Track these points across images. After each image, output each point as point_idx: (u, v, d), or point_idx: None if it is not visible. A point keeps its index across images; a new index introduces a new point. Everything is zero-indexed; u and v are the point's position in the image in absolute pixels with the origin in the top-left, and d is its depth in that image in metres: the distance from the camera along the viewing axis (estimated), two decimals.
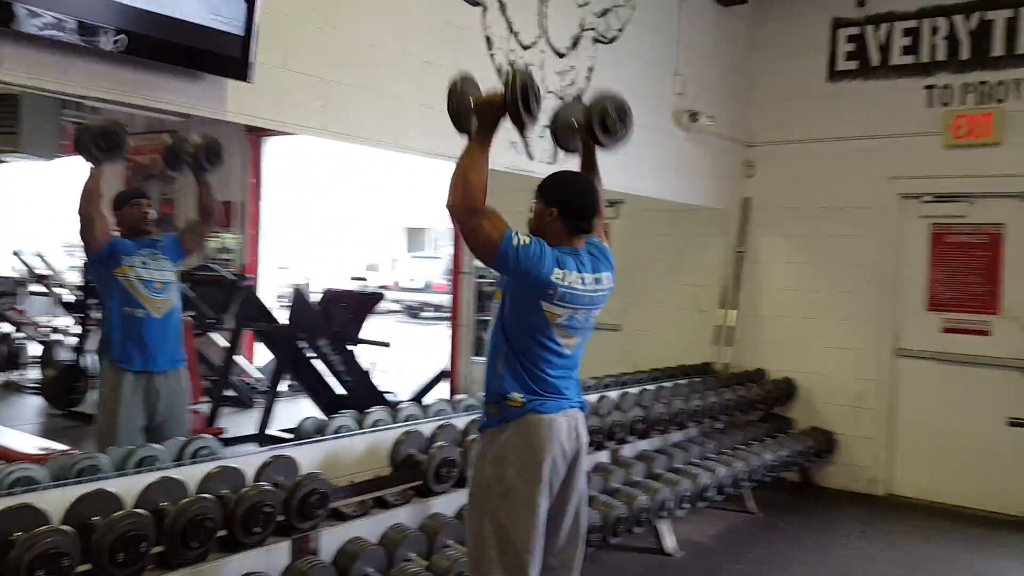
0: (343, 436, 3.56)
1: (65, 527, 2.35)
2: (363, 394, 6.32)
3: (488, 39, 4.14)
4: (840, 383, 6.07)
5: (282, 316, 6.75)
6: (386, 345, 6.48)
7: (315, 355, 6.35)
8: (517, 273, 2.53)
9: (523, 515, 2.58)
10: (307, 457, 3.29)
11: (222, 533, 2.70)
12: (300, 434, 3.72)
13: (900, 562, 4.60)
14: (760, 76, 6.38)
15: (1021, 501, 5.46)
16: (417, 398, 7.09)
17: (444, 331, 14.56)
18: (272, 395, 6.06)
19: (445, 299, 17.77)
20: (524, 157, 4.38)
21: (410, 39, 3.76)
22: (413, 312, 18.29)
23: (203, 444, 3.21)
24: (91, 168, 3.54)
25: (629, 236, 6.52)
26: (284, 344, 6.29)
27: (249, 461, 3.09)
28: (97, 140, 3.41)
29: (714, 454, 5.13)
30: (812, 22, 6.17)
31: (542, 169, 4.48)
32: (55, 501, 2.55)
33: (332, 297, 6.95)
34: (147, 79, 2.81)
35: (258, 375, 8.24)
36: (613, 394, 4.86)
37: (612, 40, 4.96)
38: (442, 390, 7.21)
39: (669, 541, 4.58)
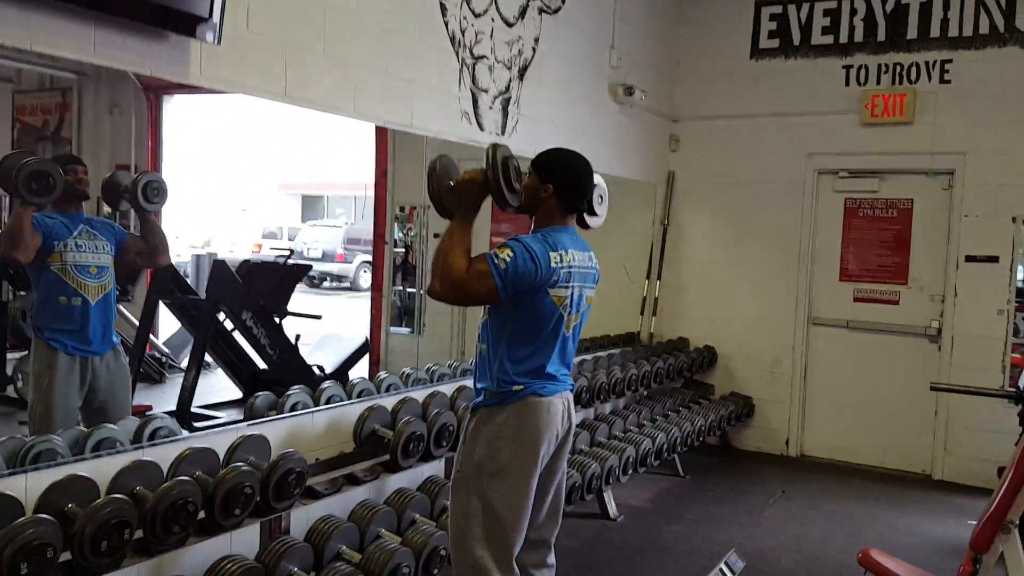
0: (303, 413, 3.47)
1: (45, 516, 2.21)
2: (289, 368, 6.18)
3: (442, 5, 4.05)
4: (758, 350, 6.34)
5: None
6: (318, 318, 6.34)
7: (237, 328, 6.15)
8: (521, 288, 2.50)
9: (514, 495, 2.58)
10: (268, 436, 3.19)
11: (200, 516, 2.60)
12: (253, 412, 3.59)
13: (825, 520, 4.88)
14: (685, 52, 6.51)
15: (924, 459, 5.88)
16: (342, 370, 6.98)
17: (347, 302, 14.32)
18: (196, 371, 5.82)
19: (345, 268, 17.52)
20: (475, 128, 4.34)
21: (367, 3, 3.63)
22: (313, 282, 17.88)
23: (161, 424, 3.06)
24: (18, 208, 3.15)
25: None
26: (204, 318, 6.04)
27: (215, 441, 2.97)
28: (29, 182, 2.98)
29: (649, 421, 5.28)
30: (736, 0, 6.32)
31: (492, 140, 4.47)
32: (18, 488, 2.40)
33: (254, 268, 6.73)
34: (110, 37, 2.62)
35: (164, 349, 7.90)
36: None
37: (556, 11, 4.95)
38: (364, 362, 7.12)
39: (612, 506, 4.70)
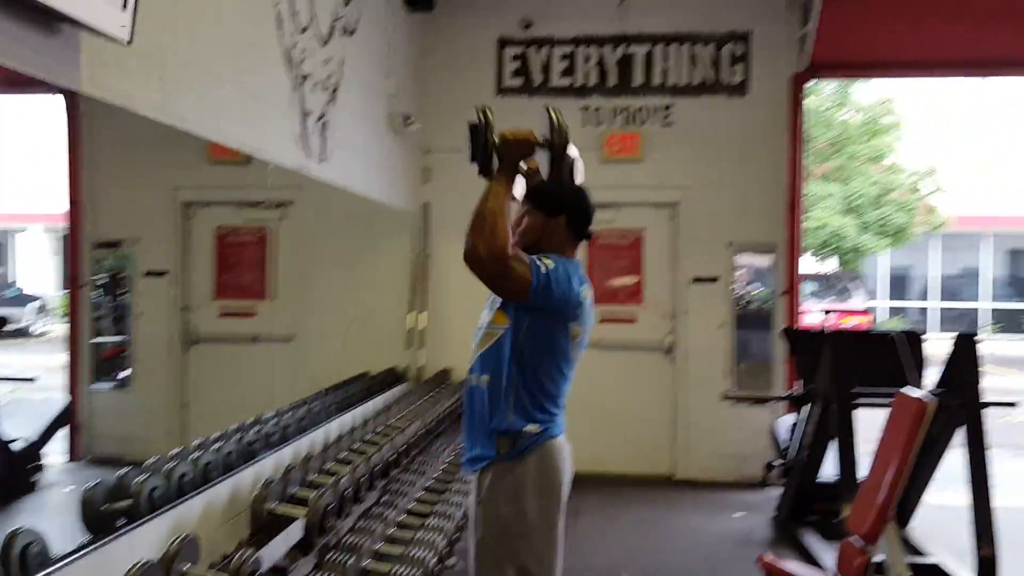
0: (182, 501, 2.82)
1: None
2: None
3: (279, 17, 3.60)
4: None
5: None
6: (31, 380, 5.18)
7: None
8: (551, 302, 2.35)
9: (547, 550, 2.41)
10: (150, 537, 2.56)
11: None
12: (88, 504, 2.83)
13: (630, 531, 5.17)
14: (435, 84, 6.52)
15: (665, 462, 6.53)
16: (43, 441, 5.81)
17: None
18: None
19: None
20: (303, 153, 3.91)
21: (224, 5, 3.10)
22: None
23: (29, 539, 2.28)
24: None
25: (301, 240, 6.17)
26: None
27: (116, 553, 2.30)
28: None
29: (454, 467, 5.08)
30: (481, 38, 6.51)
31: (315, 166, 4.09)
32: None
33: None
34: (4, 25, 1.92)
35: None
36: (331, 429, 4.39)
37: (353, 32, 4.66)
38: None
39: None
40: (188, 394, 6.26)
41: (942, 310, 21.51)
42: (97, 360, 6.52)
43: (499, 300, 2.48)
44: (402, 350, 6.33)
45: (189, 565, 2.27)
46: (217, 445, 3.50)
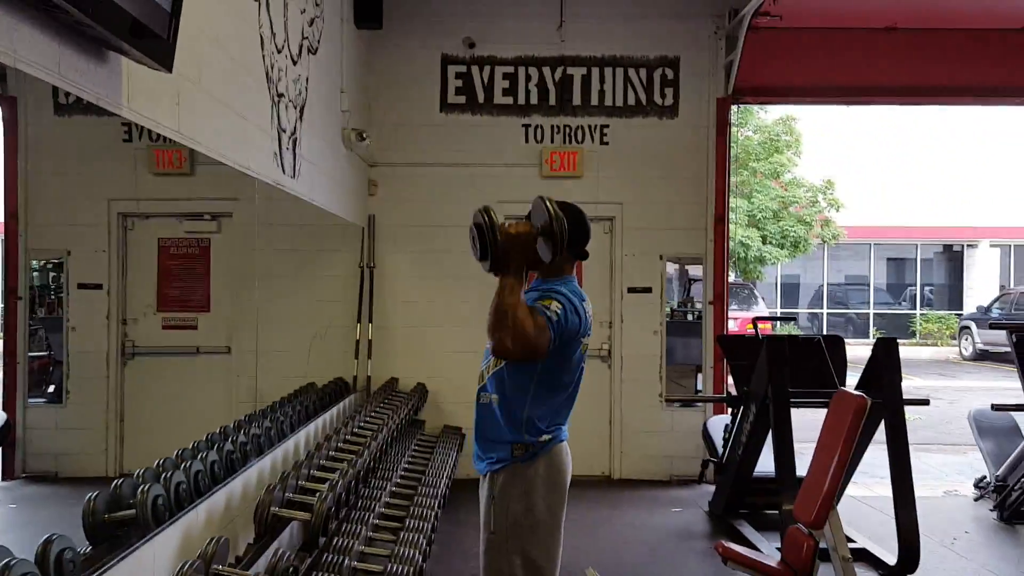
0: (187, 510, 2.91)
1: None
2: None
3: (261, 38, 3.72)
4: (463, 382, 6.64)
5: None
6: None
7: None
8: (566, 340, 2.56)
9: (552, 545, 2.64)
10: (163, 547, 2.67)
11: None
12: (95, 515, 2.89)
13: (586, 528, 5.42)
14: (381, 99, 6.66)
15: (602, 463, 6.85)
16: None
17: None
18: None
19: None
20: (280, 170, 4.03)
21: (222, 30, 3.21)
22: None
23: (63, 545, 2.36)
24: None
25: (241, 252, 6.20)
26: None
27: (147, 555, 2.40)
28: None
29: (414, 473, 5.24)
30: (426, 55, 6.69)
31: (289, 182, 4.21)
32: None
33: None
34: (70, 55, 2.03)
35: None
36: (300, 439, 4.52)
37: (315, 51, 4.78)
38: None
39: None
40: (125, 408, 6.19)
41: (830, 316, 22.81)
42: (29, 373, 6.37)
43: None
44: (345, 361, 6.43)
45: (221, 567, 2.40)
46: (201, 455, 3.59)
